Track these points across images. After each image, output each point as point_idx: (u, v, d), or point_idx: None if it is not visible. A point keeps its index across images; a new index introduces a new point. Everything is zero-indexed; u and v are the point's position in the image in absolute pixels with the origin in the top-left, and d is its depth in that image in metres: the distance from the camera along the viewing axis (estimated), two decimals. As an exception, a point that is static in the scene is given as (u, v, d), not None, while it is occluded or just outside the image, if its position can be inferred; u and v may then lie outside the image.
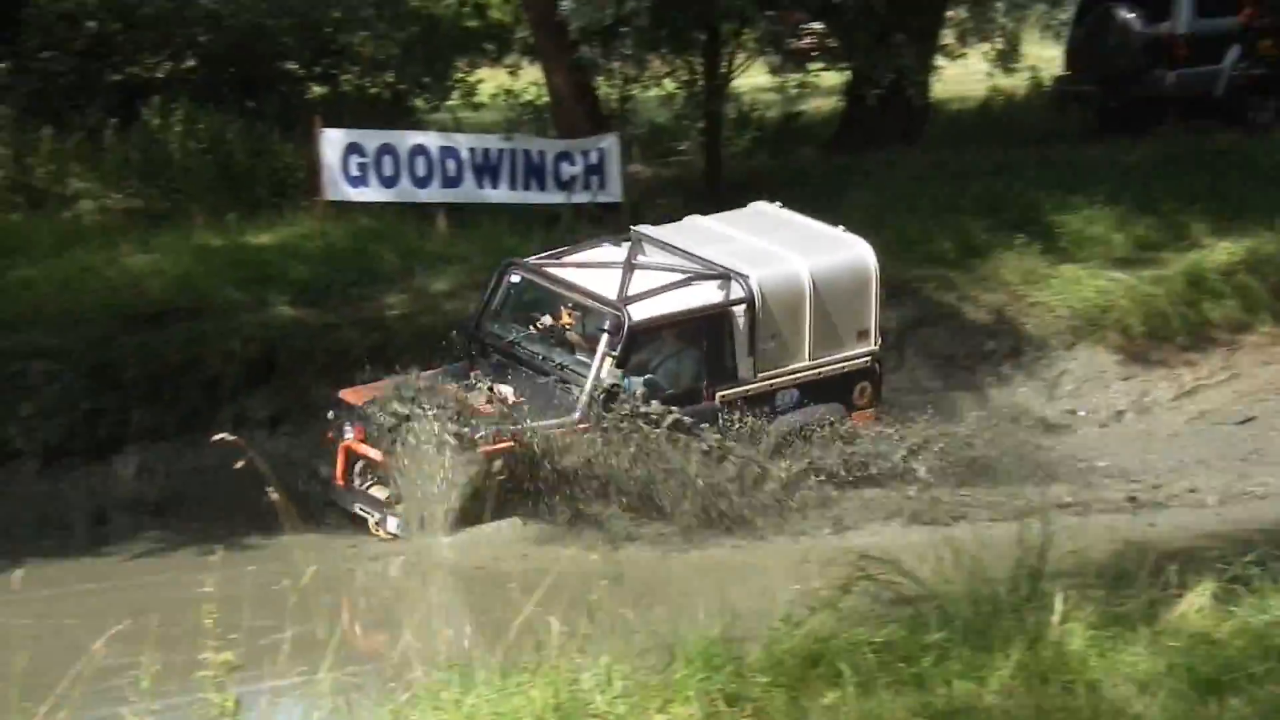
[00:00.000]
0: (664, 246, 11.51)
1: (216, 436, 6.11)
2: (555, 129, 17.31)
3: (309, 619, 5.43)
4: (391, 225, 15.41)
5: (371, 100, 18.30)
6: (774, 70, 17.92)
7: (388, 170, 15.70)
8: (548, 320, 11.30)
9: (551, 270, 11.38)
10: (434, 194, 15.87)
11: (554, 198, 16.07)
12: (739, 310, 10.95)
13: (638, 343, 10.72)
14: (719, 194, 15.91)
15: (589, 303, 10.97)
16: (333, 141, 15.56)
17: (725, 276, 11.03)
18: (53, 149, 16.02)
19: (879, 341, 11.63)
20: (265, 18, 17.55)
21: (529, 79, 19.17)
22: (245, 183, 16.06)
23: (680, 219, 12.42)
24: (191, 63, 17.91)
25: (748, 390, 11.01)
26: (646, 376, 10.80)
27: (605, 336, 10.66)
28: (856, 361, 11.43)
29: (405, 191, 15.84)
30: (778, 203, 12.31)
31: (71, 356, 12.72)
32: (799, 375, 11.23)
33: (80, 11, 17.57)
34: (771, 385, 11.12)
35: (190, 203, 15.61)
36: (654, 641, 5.68)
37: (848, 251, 11.49)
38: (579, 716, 4.99)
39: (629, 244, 11.69)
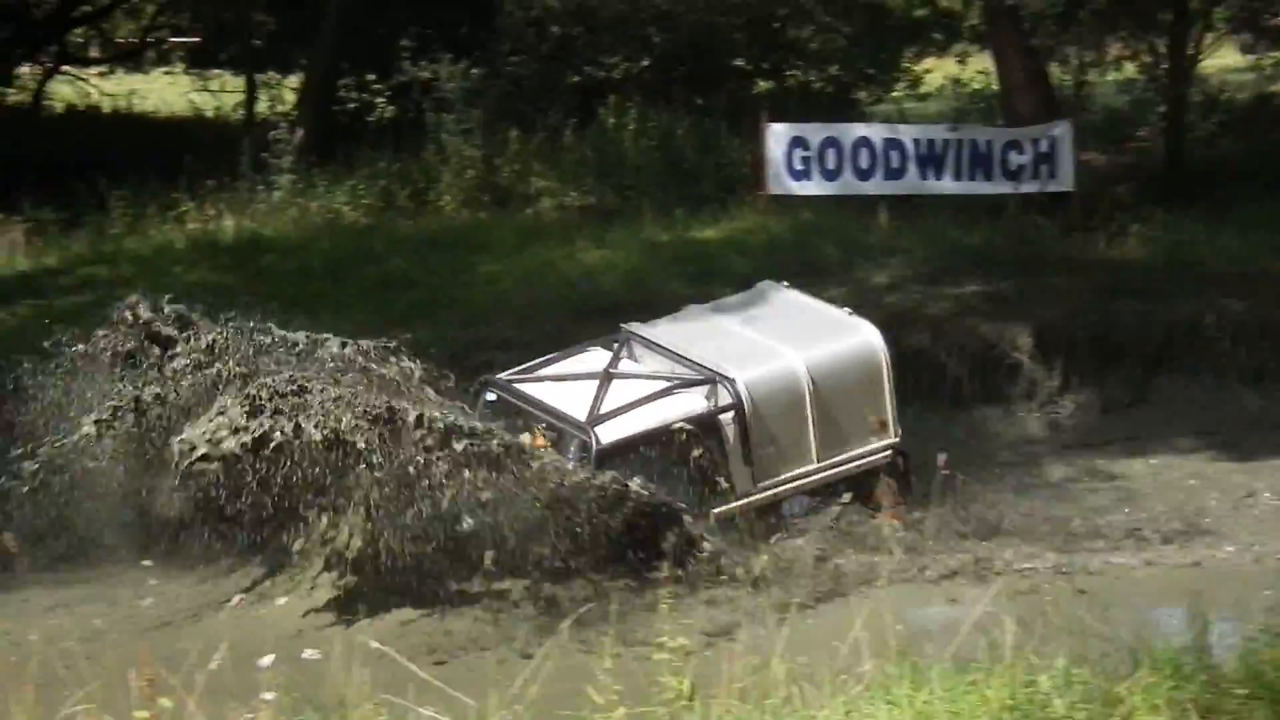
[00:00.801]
0: (652, 347, 10.31)
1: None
2: (1003, 117, 16.88)
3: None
4: (832, 218, 15.37)
5: (816, 94, 18.35)
6: (1246, 49, 16.80)
7: (830, 163, 15.69)
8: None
9: (524, 388, 10.15)
10: (877, 186, 15.75)
11: (1001, 188, 15.65)
12: (727, 419, 9.69)
13: (609, 465, 9.35)
14: (1180, 182, 15.05)
15: (559, 424, 9.73)
16: (778, 136, 15.68)
17: (710, 382, 9.80)
18: (518, 150, 16.86)
19: (898, 432, 10.14)
20: (716, 15, 17.90)
21: (976, 67, 18.74)
22: (692, 178, 16.42)
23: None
24: (645, 62, 18.47)
25: (747, 504, 9.65)
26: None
27: (571, 452, 9.52)
28: (874, 458, 10.03)
29: (848, 184, 15.77)
30: (784, 283, 11.10)
31: (533, 348, 13.27)
32: (807, 480, 9.86)
33: (548, 17, 18.41)
34: (776, 495, 9.77)
35: (641, 199, 16.08)
36: (1114, 647, 5.35)
37: (851, 338, 10.19)
38: (1037, 719, 4.75)
39: (617, 346, 10.57)
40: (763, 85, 18.77)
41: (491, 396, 10.03)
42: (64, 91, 21.47)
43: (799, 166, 15.69)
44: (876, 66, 18.53)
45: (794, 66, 18.89)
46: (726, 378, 9.69)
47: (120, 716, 4.54)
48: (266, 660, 6.88)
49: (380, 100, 20.01)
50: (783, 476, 9.72)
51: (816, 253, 14.63)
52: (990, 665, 5.09)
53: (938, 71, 19.51)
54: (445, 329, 13.30)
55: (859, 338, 10.10)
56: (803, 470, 9.77)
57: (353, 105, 20.12)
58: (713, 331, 10.36)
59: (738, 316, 10.56)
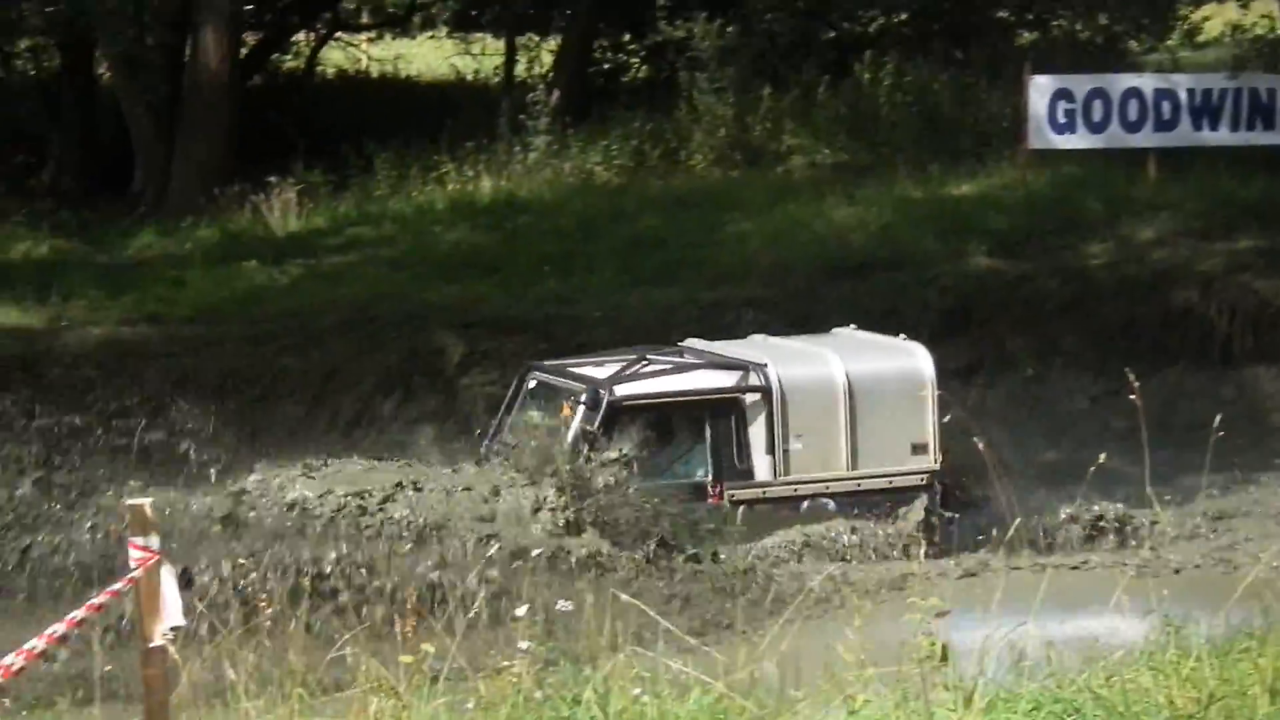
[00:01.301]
0: (703, 354, 10.37)
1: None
2: (1289, 64, 15.98)
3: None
4: (1097, 172, 14.84)
5: (1083, 44, 17.68)
6: None
7: (1097, 115, 15.11)
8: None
9: (564, 365, 10.28)
10: (1146, 139, 15.13)
11: (1282, 138, 14.88)
12: (751, 400, 9.70)
13: (618, 421, 9.47)
14: None
15: (584, 387, 9.80)
16: (1041, 88, 15.18)
17: (742, 367, 9.89)
18: (770, 108, 16.73)
19: (939, 458, 9.85)
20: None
21: (1261, 11, 17.80)
22: (949, 134, 16.05)
23: None
24: (903, 16, 18.09)
25: (765, 493, 9.66)
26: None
27: (581, 410, 9.55)
28: (910, 478, 9.84)
29: (1114, 137, 15.18)
30: (853, 325, 10.89)
31: (779, 306, 13.19)
32: (834, 484, 9.76)
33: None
34: (796, 491, 9.70)
35: (894, 155, 15.80)
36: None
37: (899, 357, 10.16)
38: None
39: (671, 350, 10.58)
40: (1026, 36, 18.19)
41: (533, 383, 10.17)
42: (335, 58, 22.20)
43: (1062, 119, 15.16)
44: (1150, 14, 17.71)
45: (1060, 16, 18.22)
46: (758, 364, 9.74)
47: (387, 660, 4.66)
48: (521, 610, 6.99)
49: (634, 60, 20.09)
50: (808, 475, 9.65)
51: (1079, 208, 14.17)
52: (1265, 633, 4.82)
53: (1217, 18, 18.59)
54: (693, 288, 13.33)
55: (906, 357, 10.04)
56: (831, 475, 9.70)
57: (607, 66, 20.25)
58: (766, 345, 10.43)
59: (803, 341, 10.60)
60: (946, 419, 6.58)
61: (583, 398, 9.52)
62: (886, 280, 13.29)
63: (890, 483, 9.72)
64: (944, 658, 4.25)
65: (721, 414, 9.62)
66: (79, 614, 4.01)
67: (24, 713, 5.56)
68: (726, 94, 16.83)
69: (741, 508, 9.48)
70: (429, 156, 16.66)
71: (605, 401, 9.36)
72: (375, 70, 22.23)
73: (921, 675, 4.24)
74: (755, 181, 15.86)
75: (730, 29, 17.43)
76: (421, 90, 21.37)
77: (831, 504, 9.64)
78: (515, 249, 14.51)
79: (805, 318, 12.98)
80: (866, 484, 9.71)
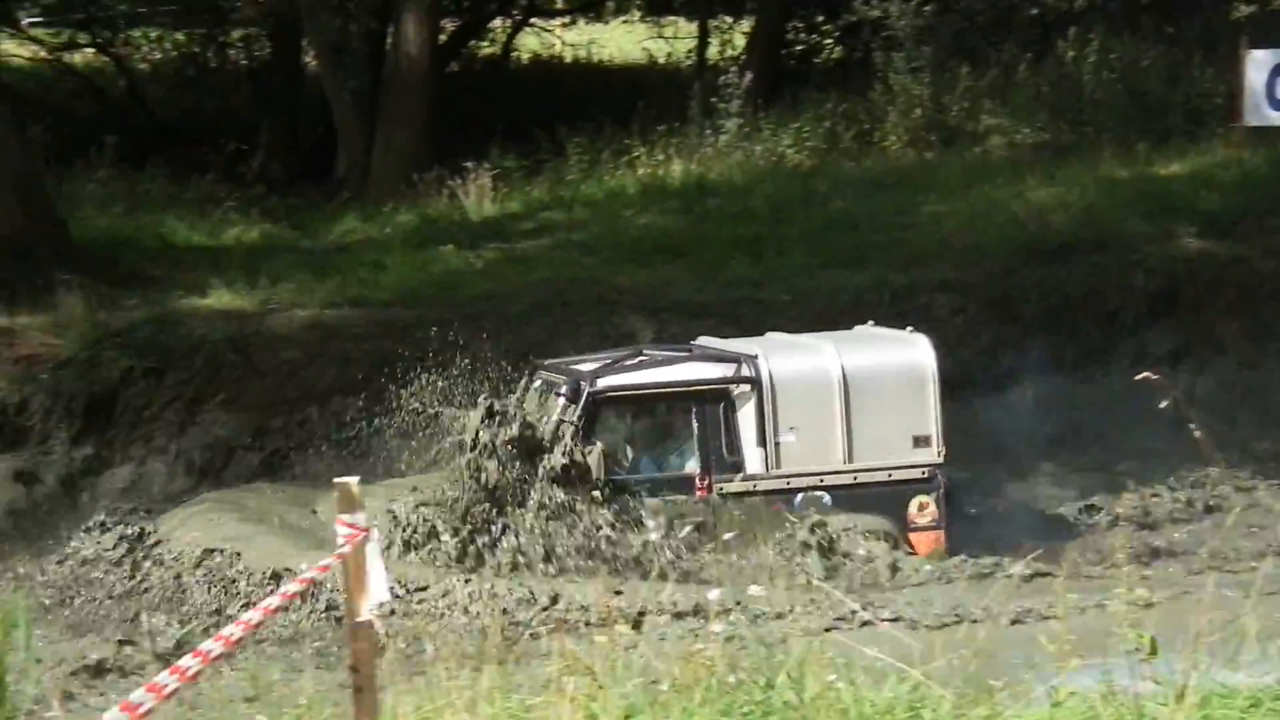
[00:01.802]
0: (709, 349, 10.18)
1: (1139, 375, 5.80)
2: None
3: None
4: (1318, 151, 14.25)
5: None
6: None
7: (1317, 92, 14.50)
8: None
9: (565, 363, 10.09)
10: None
11: None
12: (740, 391, 9.46)
13: (599, 413, 9.35)
14: None
15: (572, 378, 9.64)
16: (1258, 63, 14.61)
17: (732, 359, 9.67)
18: (968, 87, 16.46)
19: (943, 451, 9.57)
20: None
21: None
22: (1157, 111, 15.59)
23: None
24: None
25: (756, 486, 9.36)
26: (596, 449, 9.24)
27: (560, 403, 9.38)
28: (911, 471, 9.51)
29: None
30: (871, 321, 10.60)
31: (974, 290, 12.97)
32: (829, 478, 9.47)
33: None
34: (789, 484, 9.40)
35: (1099, 134, 15.40)
36: None
37: (899, 347, 9.90)
38: None
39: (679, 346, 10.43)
40: (1244, 10, 17.56)
41: (537, 381, 10.09)
42: (530, 43, 22.49)
43: (1280, 95, 14.58)
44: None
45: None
46: (749, 355, 9.54)
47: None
48: (714, 594, 7.03)
49: (828, 41, 19.95)
50: (802, 469, 9.40)
51: (1296, 187, 13.63)
52: None
53: None
54: (884, 271, 13.18)
55: (907, 348, 9.78)
56: (826, 468, 9.44)
57: (801, 47, 20.15)
58: (769, 340, 10.21)
59: (813, 337, 10.25)
60: (1163, 405, 6.36)
61: (561, 389, 9.45)
62: (1089, 263, 12.94)
63: (889, 476, 9.46)
64: (1153, 650, 4.14)
65: (709, 406, 9.44)
66: (292, 587, 4.14)
67: (241, 681, 5.76)
68: (923, 73, 16.60)
69: (729, 501, 9.29)
70: (620, 140, 16.77)
71: (586, 393, 9.26)
72: (569, 55, 22.46)
73: (1130, 668, 4.13)
74: (951, 162, 15.60)
75: (927, 8, 17.19)
76: (614, 74, 21.53)
77: (827, 498, 9.41)
78: (705, 232, 14.52)
79: (1002, 300, 12.76)
80: (864, 477, 9.48)
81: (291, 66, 19.14)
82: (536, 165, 16.78)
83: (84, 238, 13.51)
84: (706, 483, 9.31)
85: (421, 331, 12.49)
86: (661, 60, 21.60)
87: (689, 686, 4.31)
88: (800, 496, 9.34)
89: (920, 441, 9.50)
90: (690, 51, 20.86)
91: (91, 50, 20.15)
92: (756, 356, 9.48)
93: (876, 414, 9.48)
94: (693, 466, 9.39)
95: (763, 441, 9.34)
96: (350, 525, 4.32)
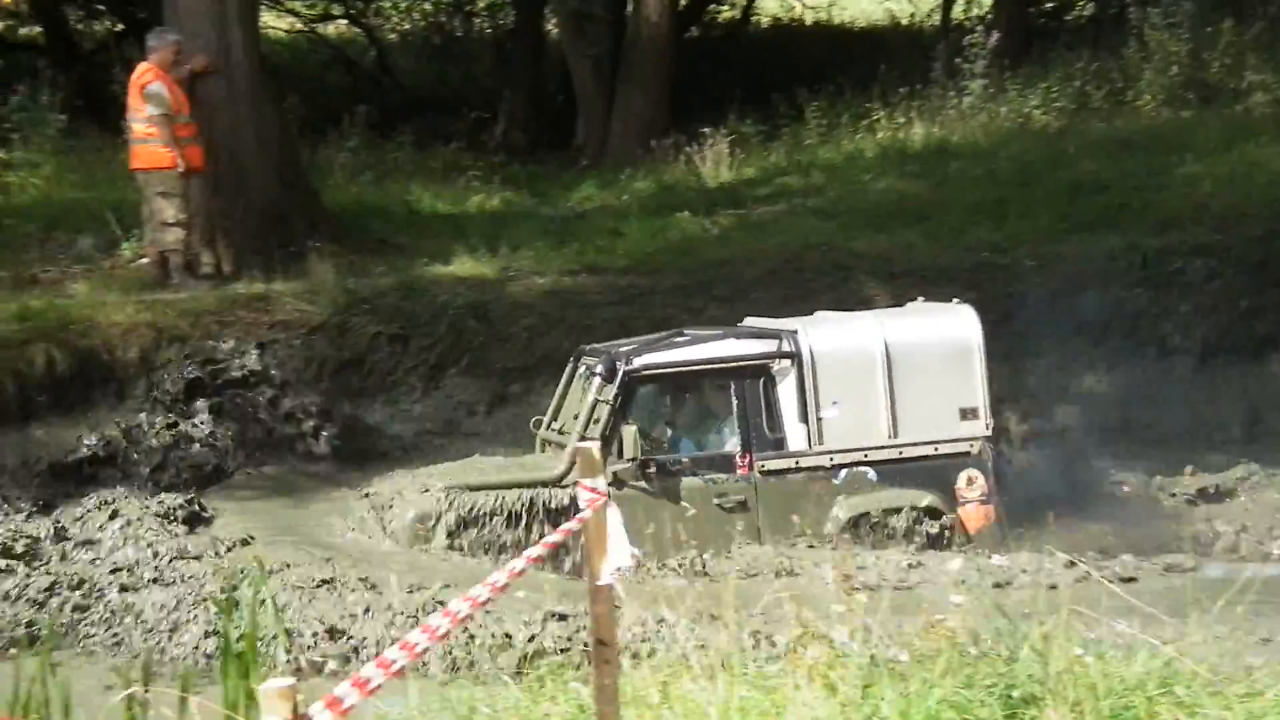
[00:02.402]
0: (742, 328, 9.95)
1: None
2: None
3: None
4: None
5: None
6: None
7: None
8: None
9: (604, 347, 9.82)
10: None
11: None
12: (781, 367, 9.25)
13: (636, 392, 9.23)
14: None
15: (611, 359, 9.37)
16: None
17: (772, 336, 9.42)
18: (1230, 42, 15.78)
19: (990, 424, 9.29)
20: None
21: None
22: None
23: None
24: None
25: (799, 463, 9.16)
26: (630, 428, 9.03)
27: (596, 381, 9.20)
28: (958, 444, 9.21)
29: None
30: (920, 298, 10.19)
31: (1232, 253, 12.46)
32: (874, 452, 9.23)
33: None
34: (833, 460, 9.18)
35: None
36: None
37: (943, 318, 9.57)
38: None
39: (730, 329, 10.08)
40: None
41: (583, 367, 9.82)
42: (769, 6, 22.40)
43: None
44: None
45: None
46: (789, 330, 9.37)
47: (818, 609, 4.72)
48: (955, 564, 6.92)
49: (1080, -2, 19.40)
50: (845, 444, 9.20)
51: None
52: None
53: None
54: (1135, 234, 12.76)
55: (952, 318, 9.50)
56: (870, 443, 9.22)
57: (1050, 4, 19.61)
58: (813, 318, 9.96)
59: (858, 314, 10.07)
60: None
61: (597, 368, 9.32)
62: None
63: (936, 449, 9.19)
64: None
65: (749, 382, 9.28)
66: (535, 550, 4.22)
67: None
68: (1181, 28, 15.96)
69: (771, 478, 9.15)
70: (860, 104, 16.58)
71: (621, 371, 9.16)
72: (809, 18, 22.30)
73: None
74: (1210, 121, 14.98)
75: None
76: (855, 37, 21.29)
77: (872, 473, 9.20)
78: (946, 196, 14.27)
79: (1262, 265, 12.23)
80: (909, 451, 9.23)
81: (534, 35, 19.46)
82: (773, 130, 16.72)
83: (335, 206, 13.96)
84: (748, 460, 9.22)
85: (658, 298, 12.63)
86: (904, 21, 21.27)
87: (929, 656, 4.27)
88: (845, 472, 9.20)
89: (968, 414, 9.29)
90: (934, 11, 20.49)
91: (344, 21, 20.83)
92: (796, 332, 9.36)
93: (921, 387, 9.28)
94: (733, 444, 9.28)
95: (805, 417, 9.21)
96: (591, 489, 4.39)
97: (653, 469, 9.02)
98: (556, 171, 17.04)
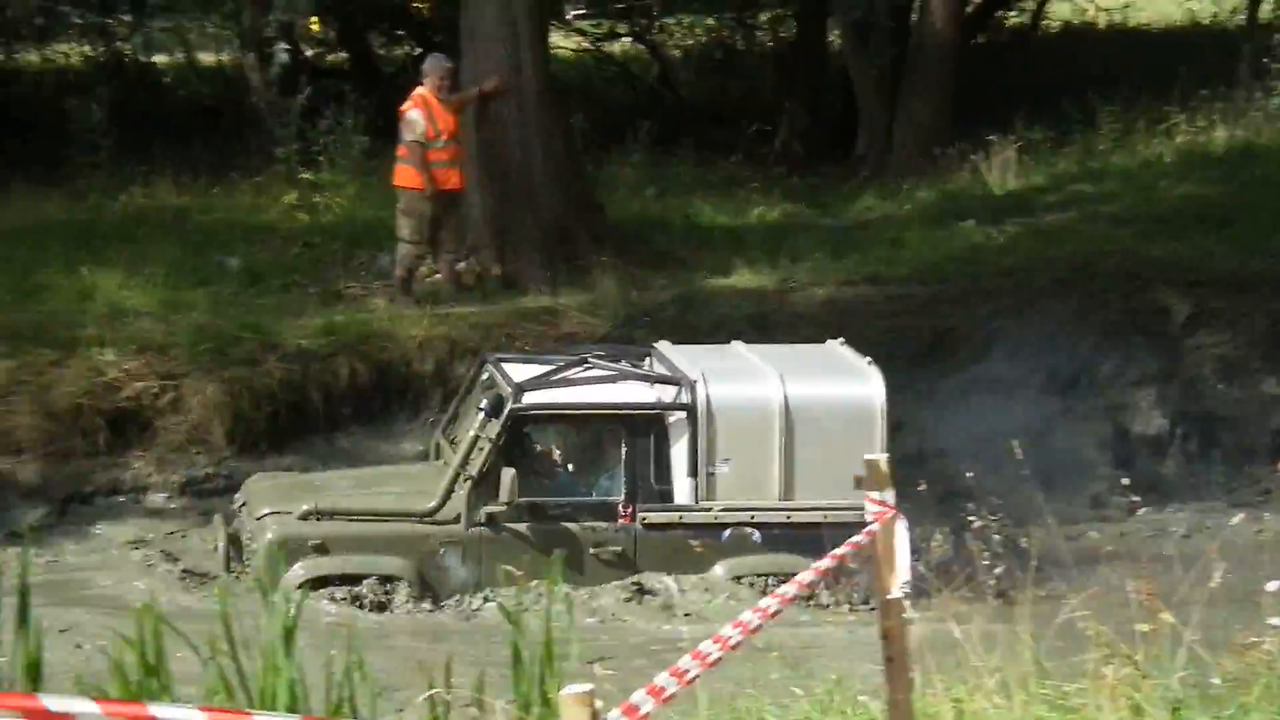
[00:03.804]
0: (661, 360, 9.65)
1: None
2: None
3: None
4: None
5: None
6: None
7: None
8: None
9: (512, 360, 9.69)
10: None
11: None
12: (675, 418, 8.96)
13: (522, 431, 8.97)
14: None
15: (500, 386, 9.13)
16: None
17: (672, 382, 9.09)
18: None
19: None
20: None
21: None
22: None
23: None
24: None
25: (682, 518, 8.87)
26: (510, 470, 8.71)
27: (480, 417, 8.86)
28: (847, 513, 8.06)
29: None
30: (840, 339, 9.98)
31: None
32: (761, 514, 8.90)
33: None
34: (716, 518, 8.87)
35: None
36: None
37: (851, 380, 9.28)
38: None
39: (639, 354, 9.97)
40: None
41: (485, 375, 9.60)
42: (1061, 10, 21.85)
43: None
44: None
45: None
46: (689, 380, 9.00)
47: (1119, 626, 4.55)
48: (1273, 585, 6.54)
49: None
50: (733, 502, 8.89)
51: None
52: None
53: None
54: None
55: (856, 382, 9.20)
56: (759, 505, 8.90)
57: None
58: (724, 355, 9.76)
59: (766, 352, 9.79)
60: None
61: (482, 404, 8.99)
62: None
63: (825, 517, 8.59)
64: None
65: (640, 430, 8.97)
66: (823, 563, 4.21)
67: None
68: None
69: (652, 532, 8.84)
70: (1157, 107, 16.01)
71: (508, 409, 8.84)
72: (1103, 20, 21.65)
73: None
74: None
75: None
76: (1152, 38, 20.57)
77: (757, 535, 8.87)
78: (1250, 201, 13.66)
79: None
80: (799, 516, 8.84)
81: (816, 46, 19.42)
82: (1063, 136, 16.27)
83: (618, 220, 14.19)
84: (630, 510, 8.92)
85: (941, 307, 12.43)
86: (1206, 21, 20.43)
87: (1244, 681, 4.07)
88: (729, 531, 8.89)
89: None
90: (1237, 9, 19.61)
91: (628, 39, 21.17)
92: (696, 382, 9.02)
93: (817, 449, 8.95)
94: (617, 492, 8.98)
95: (694, 471, 8.92)
96: (879, 503, 4.35)
97: (530, 513, 8.82)
98: (836, 183, 16.94)
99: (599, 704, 2.93)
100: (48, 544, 9.68)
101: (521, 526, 8.84)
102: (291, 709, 4.03)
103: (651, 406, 9.06)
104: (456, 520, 8.78)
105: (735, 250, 13.76)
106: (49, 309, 11.74)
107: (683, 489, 8.96)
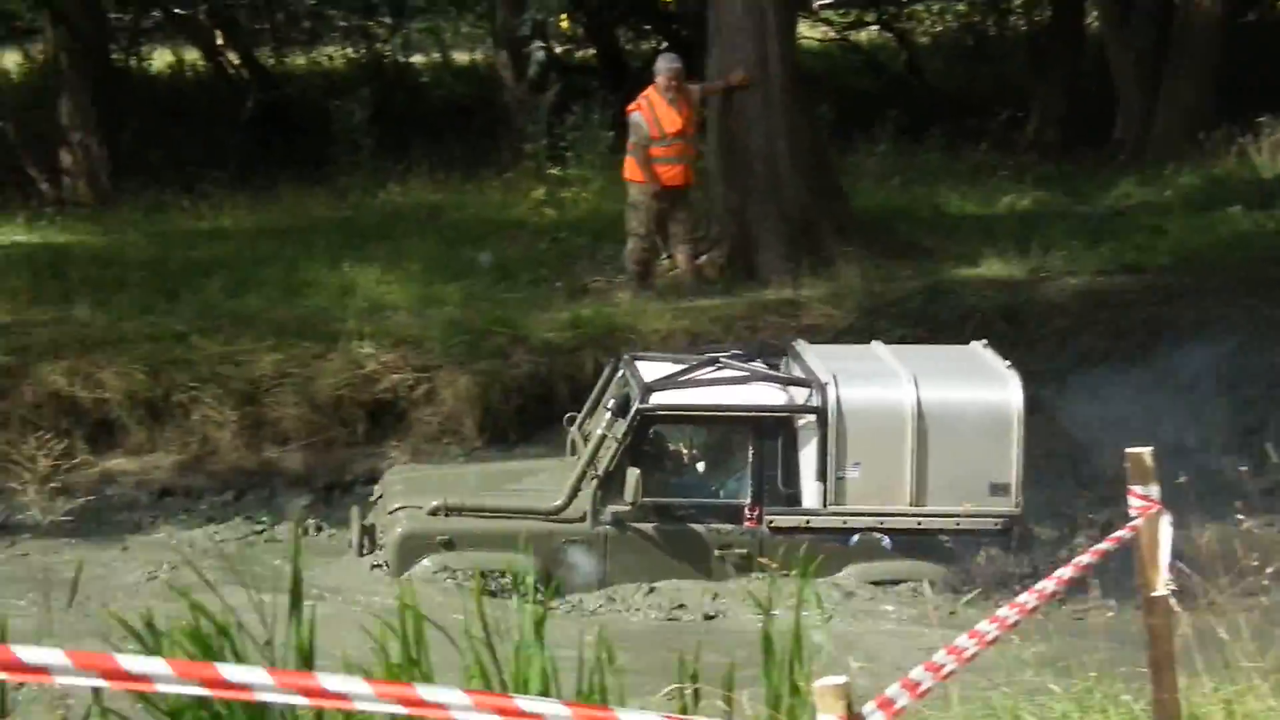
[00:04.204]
0: (797, 359, 9.42)
1: None
2: None
3: None
4: None
5: None
6: None
7: None
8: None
9: (640, 362, 9.42)
10: None
11: None
12: (804, 421, 8.84)
13: (648, 431, 8.87)
14: None
15: (632, 384, 9.00)
16: None
17: (803, 384, 8.96)
18: None
19: (1019, 503, 8.76)
20: None
21: None
22: None
23: None
24: None
25: (810, 521, 8.74)
26: (635, 470, 8.61)
27: (608, 416, 8.82)
28: (982, 520, 8.67)
29: None
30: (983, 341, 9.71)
31: None
32: (891, 520, 8.77)
33: None
34: (846, 523, 8.75)
35: None
36: None
37: (986, 386, 9.02)
38: None
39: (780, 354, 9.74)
40: None
41: (620, 374, 9.46)
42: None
43: None
44: None
45: None
46: (821, 382, 8.81)
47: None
48: None
49: None
50: (862, 507, 8.76)
51: None
52: None
53: None
54: None
55: (994, 386, 8.94)
56: (889, 510, 8.75)
57: None
58: (861, 356, 9.52)
59: (904, 354, 9.52)
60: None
61: (610, 404, 8.93)
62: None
63: (958, 524, 8.62)
64: None
65: (768, 433, 8.85)
66: (1084, 559, 4.09)
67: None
68: None
69: (779, 535, 8.66)
70: None
71: (635, 408, 8.71)
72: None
73: None
74: None
75: None
76: None
77: (887, 541, 8.72)
78: None
79: None
80: (929, 523, 8.69)
81: (1072, 30, 18.92)
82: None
83: (862, 210, 14.06)
84: (756, 513, 8.78)
85: (1205, 297, 11.96)
86: None
87: None
88: (857, 537, 8.75)
89: (998, 489, 8.72)
90: None
91: (875, 27, 20.96)
92: (828, 385, 8.80)
93: (951, 454, 8.77)
94: (744, 495, 8.83)
95: (823, 475, 8.75)
96: (1143, 497, 4.21)
97: (655, 513, 8.72)
98: (1091, 169, 16.46)
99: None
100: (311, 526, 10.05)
101: (647, 526, 8.80)
102: (544, 694, 4.12)
103: (780, 409, 8.98)
104: (583, 519, 8.78)
105: (984, 239, 13.52)
106: (314, 304, 12.22)
107: (811, 493, 8.87)
